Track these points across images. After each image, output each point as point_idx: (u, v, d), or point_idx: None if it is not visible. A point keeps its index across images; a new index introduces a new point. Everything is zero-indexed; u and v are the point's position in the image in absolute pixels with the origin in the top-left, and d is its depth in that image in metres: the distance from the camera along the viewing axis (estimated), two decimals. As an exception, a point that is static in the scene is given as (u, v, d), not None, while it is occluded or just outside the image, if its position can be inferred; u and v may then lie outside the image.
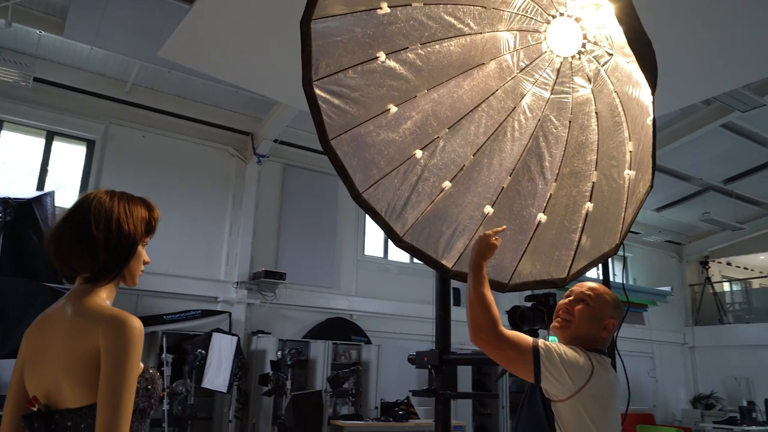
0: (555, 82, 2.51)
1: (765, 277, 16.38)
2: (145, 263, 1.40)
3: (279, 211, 9.17)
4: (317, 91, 2.25)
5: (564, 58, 2.44)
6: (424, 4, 2.33)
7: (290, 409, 5.45)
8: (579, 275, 1.98)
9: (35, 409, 1.23)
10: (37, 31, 6.78)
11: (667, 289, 12.86)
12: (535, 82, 2.54)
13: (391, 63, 2.39)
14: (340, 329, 9.13)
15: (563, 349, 1.70)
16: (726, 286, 15.47)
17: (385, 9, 2.24)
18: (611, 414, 1.72)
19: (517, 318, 2.04)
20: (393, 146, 2.48)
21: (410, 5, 2.30)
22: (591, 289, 1.87)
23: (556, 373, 1.63)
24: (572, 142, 2.37)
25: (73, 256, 1.31)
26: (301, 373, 8.15)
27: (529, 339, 1.70)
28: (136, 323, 1.24)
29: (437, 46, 2.45)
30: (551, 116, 2.48)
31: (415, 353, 2.58)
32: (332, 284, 9.42)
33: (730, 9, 3.95)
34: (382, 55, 2.35)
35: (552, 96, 2.51)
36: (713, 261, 15.06)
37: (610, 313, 1.84)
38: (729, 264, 16.10)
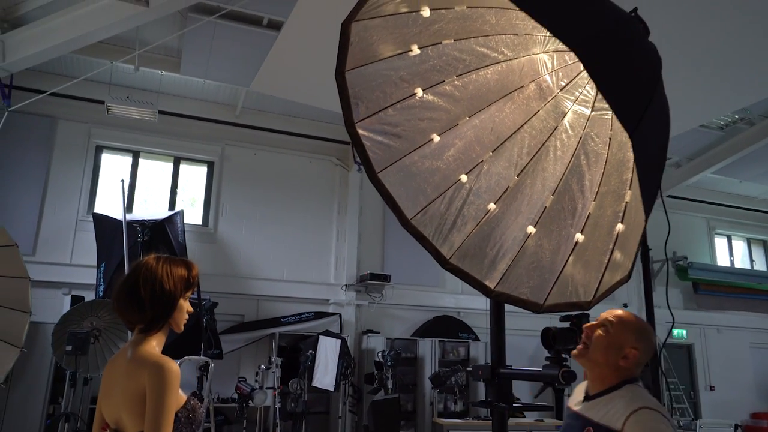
0: (595, 99, 2.52)
1: None
2: (188, 313, 1.72)
3: (382, 215, 9.54)
4: (360, 131, 2.46)
5: (602, 74, 2.44)
6: (454, 41, 2.45)
7: (370, 415, 5.82)
8: (603, 297, 2.00)
9: None
10: (159, 72, 7.69)
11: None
12: (576, 99, 2.56)
13: (429, 97, 2.54)
14: (448, 327, 9.31)
15: None
16: None
17: (415, 51, 2.40)
18: None
19: (549, 339, 2.10)
20: (438, 173, 2.63)
21: (440, 43, 2.43)
22: (615, 316, 1.85)
23: None
24: (611, 160, 2.37)
25: (127, 312, 1.66)
26: (410, 371, 8.47)
27: None
28: (173, 367, 1.56)
29: (474, 76, 2.56)
30: (592, 133, 2.50)
31: (472, 367, 2.73)
32: (437, 283, 9.62)
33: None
34: (419, 91, 2.50)
35: (593, 113, 2.52)
36: None
37: (632, 343, 1.78)
38: None
